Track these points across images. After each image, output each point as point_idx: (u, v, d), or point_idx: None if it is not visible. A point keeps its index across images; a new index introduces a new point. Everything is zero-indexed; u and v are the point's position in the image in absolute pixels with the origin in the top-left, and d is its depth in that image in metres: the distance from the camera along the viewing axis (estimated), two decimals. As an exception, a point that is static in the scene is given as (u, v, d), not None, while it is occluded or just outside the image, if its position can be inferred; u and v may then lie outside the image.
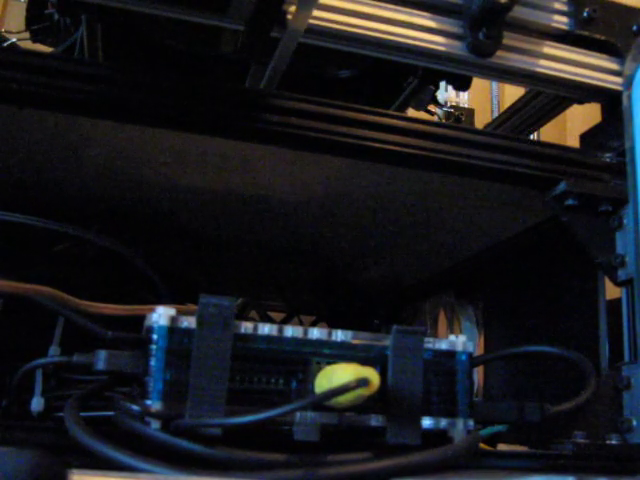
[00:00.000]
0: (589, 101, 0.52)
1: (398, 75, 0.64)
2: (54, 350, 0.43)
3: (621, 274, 0.46)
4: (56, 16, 0.49)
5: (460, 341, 0.37)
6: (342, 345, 0.34)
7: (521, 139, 0.49)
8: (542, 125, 0.70)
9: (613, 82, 0.49)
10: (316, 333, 0.34)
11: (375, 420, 0.34)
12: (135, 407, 0.31)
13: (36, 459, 0.21)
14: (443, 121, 0.89)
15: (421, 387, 0.34)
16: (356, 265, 0.72)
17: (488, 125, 0.80)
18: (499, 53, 0.46)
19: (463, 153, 0.45)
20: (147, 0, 0.40)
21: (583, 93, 0.50)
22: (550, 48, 0.48)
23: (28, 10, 0.55)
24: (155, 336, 0.32)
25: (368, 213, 0.57)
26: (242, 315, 0.78)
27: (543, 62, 0.48)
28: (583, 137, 0.53)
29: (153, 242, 0.63)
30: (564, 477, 0.37)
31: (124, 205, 0.56)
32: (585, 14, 0.48)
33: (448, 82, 0.64)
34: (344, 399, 0.31)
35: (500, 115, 0.76)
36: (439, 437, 0.35)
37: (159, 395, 0.31)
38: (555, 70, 0.48)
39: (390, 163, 0.45)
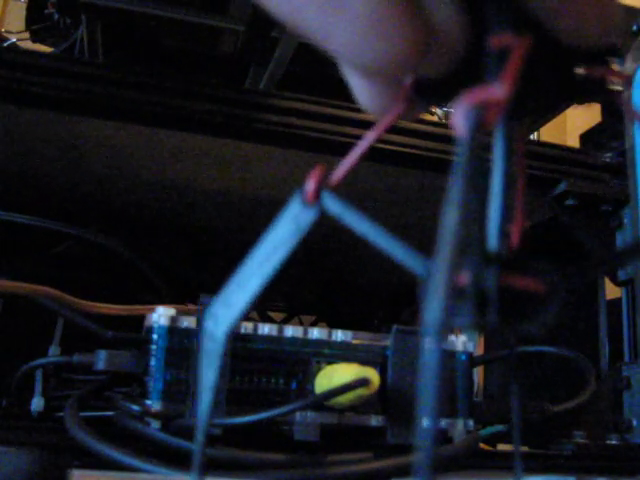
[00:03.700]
0: (589, 101, 0.52)
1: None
2: (54, 350, 0.43)
3: (621, 274, 0.46)
4: (56, 16, 0.49)
5: (460, 341, 0.37)
6: (342, 345, 0.34)
7: (521, 139, 0.49)
8: (542, 125, 0.70)
9: (613, 82, 0.49)
10: (316, 333, 0.34)
11: (375, 420, 0.34)
12: (135, 407, 0.31)
13: (36, 459, 0.21)
14: (443, 121, 0.89)
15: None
16: (356, 265, 0.72)
17: (488, 125, 0.80)
18: (499, 53, 0.46)
19: (463, 153, 0.45)
20: (147, 0, 0.40)
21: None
22: (550, 48, 0.48)
23: (28, 10, 0.55)
24: (155, 336, 0.32)
25: (368, 213, 0.56)
26: (242, 315, 0.77)
27: (543, 62, 0.48)
28: (583, 137, 0.53)
29: (153, 242, 0.63)
30: (564, 477, 0.37)
31: (124, 205, 0.56)
32: (585, 14, 0.48)
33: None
34: (344, 399, 0.31)
35: (500, 115, 0.76)
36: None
37: (159, 395, 0.31)
38: (555, 70, 0.48)
39: (390, 163, 0.45)
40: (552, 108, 0.14)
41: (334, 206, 0.14)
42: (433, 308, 0.10)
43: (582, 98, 0.14)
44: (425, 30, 0.12)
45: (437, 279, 0.11)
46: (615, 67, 0.13)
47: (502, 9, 0.13)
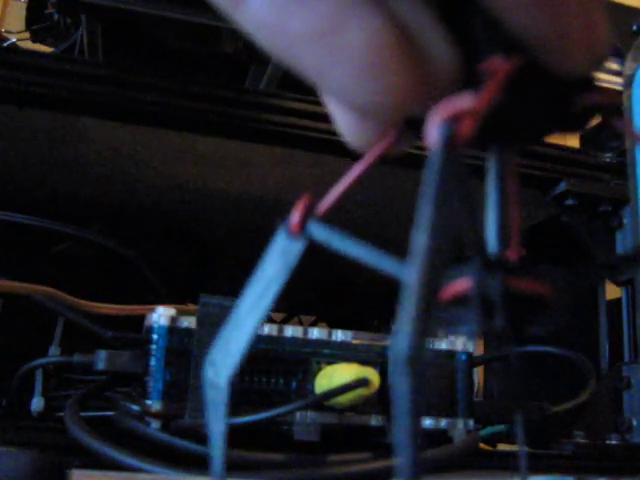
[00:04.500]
0: (589, 101, 0.52)
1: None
2: (54, 350, 0.43)
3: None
4: (56, 16, 0.49)
5: (460, 341, 0.37)
6: (342, 345, 0.34)
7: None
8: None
9: (613, 82, 0.49)
10: (316, 333, 0.34)
11: (375, 420, 0.34)
12: (135, 407, 0.31)
13: (36, 459, 0.21)
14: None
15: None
16: (356, 265, 0.72)
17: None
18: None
19: (463, 153, 0.45)
20: (148, 0, 0.40)
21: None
22: (550, 48, 0.48)
23: (28, 10, 0.54)
24: (155, 336, 0.32)
25: (368, 213, 0.56)
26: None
27: (543, 62, 0.47)
28: (583, 137, 0.53)
29: (153, 242, 0.63)
30: (564, 477, 0.37)
31: (124, 205, 0.56)
32: (585, 14, 0.48)
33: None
34: (344, 399, 0.31)
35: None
36: (439, 437, 0.35)
37: (159, 395, 0.31)
38: (555, 70, 0.48)
39: (390, 163, 0.45)
40: (545, 135, 0.14)
41: (321, 234, 0.14)
42: (401, 337, 0.10)
43: (574, 127, 0.14)
44: (422, 70, 0.12)
45: (407, 305, 0.10)
46: (606, 90, 0.13)
47: (492, 40, 0.13)
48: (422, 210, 0.11)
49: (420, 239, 0.11)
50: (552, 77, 0.13)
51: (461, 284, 0.12)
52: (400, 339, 0.10)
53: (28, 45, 0.58)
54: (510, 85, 0.12)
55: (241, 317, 0.14)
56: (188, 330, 0.32)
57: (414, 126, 0.13)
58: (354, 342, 0.35)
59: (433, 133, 0.11)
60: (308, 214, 0.14)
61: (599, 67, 0.13)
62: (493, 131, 0.13)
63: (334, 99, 0.14)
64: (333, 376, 0.32)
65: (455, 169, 0.11)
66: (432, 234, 0.11)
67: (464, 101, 0.12)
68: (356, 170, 0.14)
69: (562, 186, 0.47)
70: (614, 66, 0.49)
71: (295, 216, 0.14)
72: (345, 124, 0.15)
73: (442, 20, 0.13)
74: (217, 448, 0.15)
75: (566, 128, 0.14)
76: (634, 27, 0.49)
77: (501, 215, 0.13)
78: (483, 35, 0.13)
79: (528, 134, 0.14)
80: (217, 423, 0.15)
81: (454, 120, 0.11)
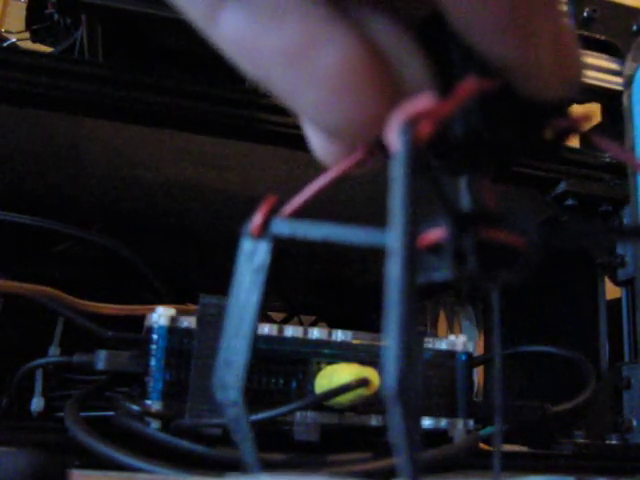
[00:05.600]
0: (589, 101, 0.52)
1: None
2: (54, 350, 0.43)
3: (621, 274, 0.46)
4: (56, 16, 0.49)
5: (460, 341, 0.37)
6: (342, 345, 0.34)
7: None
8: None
9: (613, 82, 0.49)
10: (316, 333, 0.34)
11: (375, 420, 0.34)
12: (135, 407, 0.31)
13: (36, 459, 0.21)
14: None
15: (421, 387, 0.34)
16: (356, 265, 0.72)
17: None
18: (499, 53, 0.46)
19: (463, 153, 0.45)
20: (147, 0, 0.40)
21: (583, 93, 0.50)
22: (550, 48, 0.48)
23: (28, 10, 0.54)
24: (155, 336, 0.32)
25: (368, 213, 0.56)
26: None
27: (543, 62, 0.47)
28: (583, 137, 0.53)
29: (153, 242, 0.63)
30: (564, 477, 0.37)
31: (124, 205, 0.56)
32: (585, 14, 0.48)
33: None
34: (344, 399, 0.31)
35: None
36: (439, 437, 0.35)
37: (159, 395, 0.31)
38: (555, 70, 0.48)
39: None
40: (518, 159, 0.14)
41: (284, 229, 0.14)
42: (390, 373, 0.10)
43: (547, 151, 0.14)
44: (393, 91, 0.12)
45: (391, 346, 0.10)
46: (577, 116, 0.13)
47: (467, 63, 0.13)
48: (394, 215, 0.11)
49: (396, 215, 0.11)
50: (525, 102, 0.13)
51: (435, 233, 0.12)
52: (388, 377, 0.10)
53: (28, 45, 0.58)
54: (484, 108, 0.12)
55: (233, 330, 0.15)
56: (188, 330, 0.32)
57: (384, 146, 0.13)
58: (354, 342, 0.35)
59: (395, 135, 0.11)
60: (271, 216, 0.14)
61: (572, 91, 0.13)
62: (466, 154, 0.13)
63: (305, 119, 0.14)
64: (333, 376, 0.32)
65: (418, 167, 0.11)
66: (407, 206, 0.11)
67: (422, 102, 0.11)
68: (321, 181, 0.14)
69: (562, 186, 0.46)
70: (614, 66, 0.49)
71: (257, 218, 0.14)
72: (316, 142, 0.15)
73: (417, 41, 0.13)
74: (252, 461, 0.15)
75: (539, 152, 0.14)
76: (634, 27, 0.49)
77: (474, 183, 0.13)
78: (458, 57, 0.13)
79: (500, 158, 0.14)
80: (245, 436, 0.15)
81: (413, 122, 0.11)
